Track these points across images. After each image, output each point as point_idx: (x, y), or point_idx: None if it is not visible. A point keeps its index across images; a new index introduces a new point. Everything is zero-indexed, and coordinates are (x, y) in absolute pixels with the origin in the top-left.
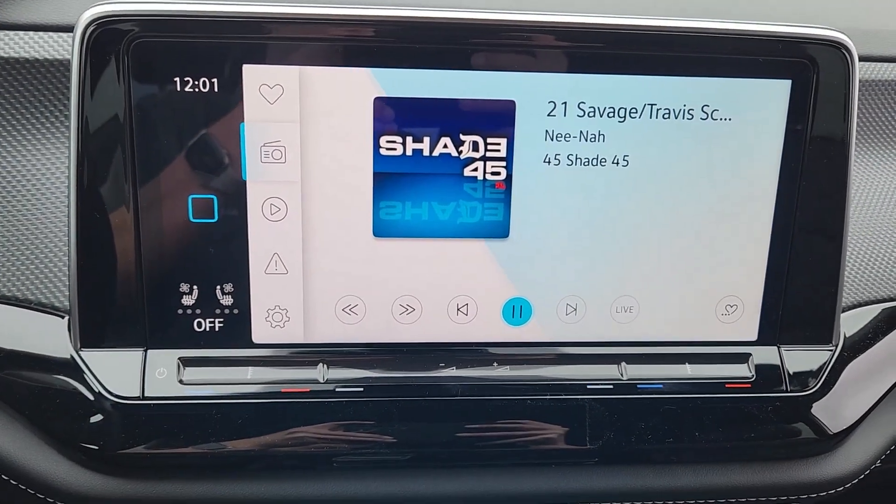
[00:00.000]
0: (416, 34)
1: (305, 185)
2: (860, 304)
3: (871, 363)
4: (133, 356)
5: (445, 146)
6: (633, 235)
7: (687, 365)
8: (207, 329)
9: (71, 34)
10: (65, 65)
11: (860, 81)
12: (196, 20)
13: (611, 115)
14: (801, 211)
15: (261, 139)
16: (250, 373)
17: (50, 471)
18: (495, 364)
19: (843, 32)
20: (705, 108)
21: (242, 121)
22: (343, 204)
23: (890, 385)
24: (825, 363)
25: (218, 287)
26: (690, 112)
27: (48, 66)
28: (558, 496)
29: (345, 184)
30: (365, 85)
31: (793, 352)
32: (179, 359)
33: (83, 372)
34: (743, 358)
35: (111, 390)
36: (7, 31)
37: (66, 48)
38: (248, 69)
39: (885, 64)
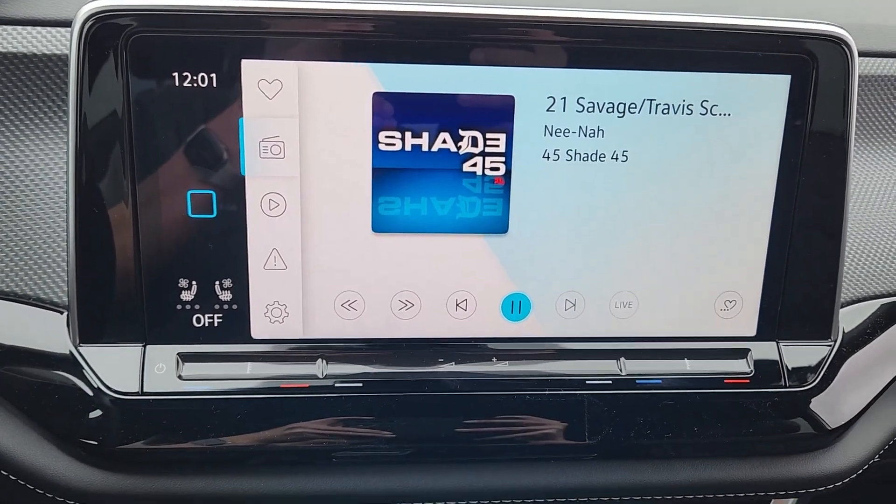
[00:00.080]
0: (415, 29)
1: (304, 181)
2: (859, 300)
3: (870, 359)
4: (132, 351)
5: (444, 141)
6: (632, 231)
7: (686, 360)
8: (206, 324)
9: (69, 29)
10: (63, 60)
11: (860, 77)
12: (194, 15)
13: (610, 110)
14: (800, 206)
15: (259, 134)
16: (249, 368)
17: (49, 466)
18: (494, 359)
19: (842, 28)
20: (704, 104)
21: (241, 116)
22: (342, 199)
23: (888, 380)
24: (824, 359)
25: (217, 282)
26: (690, 107)
27: (46, 61)
28: (557, 491)
29: (344, 179)
30: (364, 80)
31: (792, 347)
32: (178, 354)
33: (82, 367)
34: (742, 353)
35: (110, 386)
36: (5, 27)
37: (65, 43)
38: (246, 64)
39: (885, 59)
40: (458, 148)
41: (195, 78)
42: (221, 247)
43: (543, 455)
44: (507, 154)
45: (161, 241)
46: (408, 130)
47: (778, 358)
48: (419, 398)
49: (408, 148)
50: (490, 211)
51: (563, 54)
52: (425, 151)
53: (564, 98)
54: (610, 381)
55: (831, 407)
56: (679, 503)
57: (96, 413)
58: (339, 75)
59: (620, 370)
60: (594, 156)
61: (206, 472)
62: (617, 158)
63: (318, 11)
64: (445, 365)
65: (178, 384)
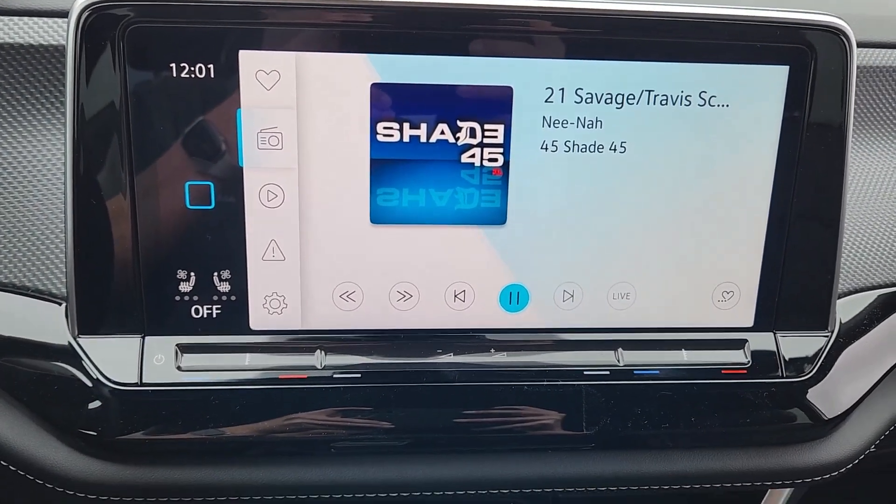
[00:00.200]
0: (413, 20)
1: (302, 172)
2: (856, 291)
3: (867, 349)
4: (131, 343)
5: (442, 132)
6: (630, 222)
7: (683, 351)
8: (205, 316)
9: (66, 20)
10: (60, 51)
11: (858, 67)
12: (192, 5)
13: (608, 101)
14: (797, 197)
15: (257, 125)
16: (248, 359)
17: (48, 457)
18: (492, 350)
19: (841, 18)
20: (703, 95)
21: (239, 107)
22: (340, 190)
23: (885, 371)
24: (821, 349)
25: (215, 274)
26: (688, 98)
27: (43, 51)
28: (555, 481)
29: (342, 170)
30: (362, 71)
31: (789, 338)
32: (177, 345)
33: (81, 359)
34: (739, 344)
35: (109, 377)
36: (2, 17)
37: (62, 34)
38: (244, 55)
39: (884, 50)
40: (457, 139)
41: (193, 69)
42: (220, 238)
43: (541, 445)
44: (506, 145)
45: (159, 232)
46: (406, 121)
47: (775, 348)
48: (417, 389)
49: (406, 139)
50: (488, 202)
51: (562, 45)
52: (423, 142)
53: (563, 89)
54: (608, 372)
55: (828, 397)
56: (676, 493)
57: (95, 404)
58: (337, 66)
59: (618, 361)
60: (592, 147)
61: (205, 462)
62: (615, 150)
63: (316, 2)
64: (444, 356)
65: (177, 375)
